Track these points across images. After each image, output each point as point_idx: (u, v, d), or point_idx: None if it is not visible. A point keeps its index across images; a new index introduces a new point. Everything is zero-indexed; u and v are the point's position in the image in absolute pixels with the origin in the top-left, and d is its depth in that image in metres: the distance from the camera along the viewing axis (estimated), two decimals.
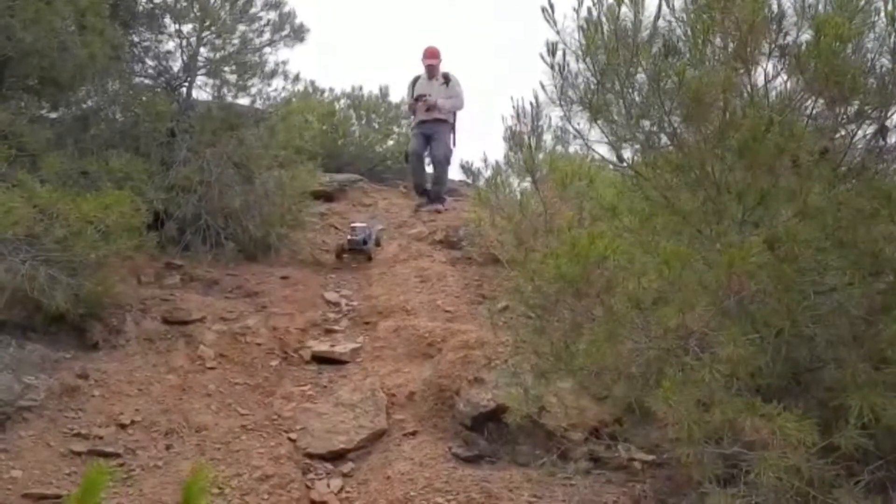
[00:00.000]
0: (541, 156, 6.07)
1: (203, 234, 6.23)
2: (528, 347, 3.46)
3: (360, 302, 6.01)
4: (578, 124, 3.86)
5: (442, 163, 8.55)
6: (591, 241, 2.87)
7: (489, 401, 4.05)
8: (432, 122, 8.52)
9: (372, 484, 3.69)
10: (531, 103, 4.00)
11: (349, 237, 6.87)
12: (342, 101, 12.31)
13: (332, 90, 12.29)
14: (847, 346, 2.87)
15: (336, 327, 5.56)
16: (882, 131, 3.24)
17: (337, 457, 3.98)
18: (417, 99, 8.50)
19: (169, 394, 4.30)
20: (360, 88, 12.22)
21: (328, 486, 3.68)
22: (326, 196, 9.16)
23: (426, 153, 8.75)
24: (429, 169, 8.96)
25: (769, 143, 2.92)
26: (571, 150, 5.54)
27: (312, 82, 12.10)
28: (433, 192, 8.75)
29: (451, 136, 8.68)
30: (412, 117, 8.99)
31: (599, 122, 3.71)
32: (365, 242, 6.82)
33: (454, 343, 4.69)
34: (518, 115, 5.44)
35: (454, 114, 8.68)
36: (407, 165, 9.21)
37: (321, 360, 5.02)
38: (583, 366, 3.21)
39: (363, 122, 12.17)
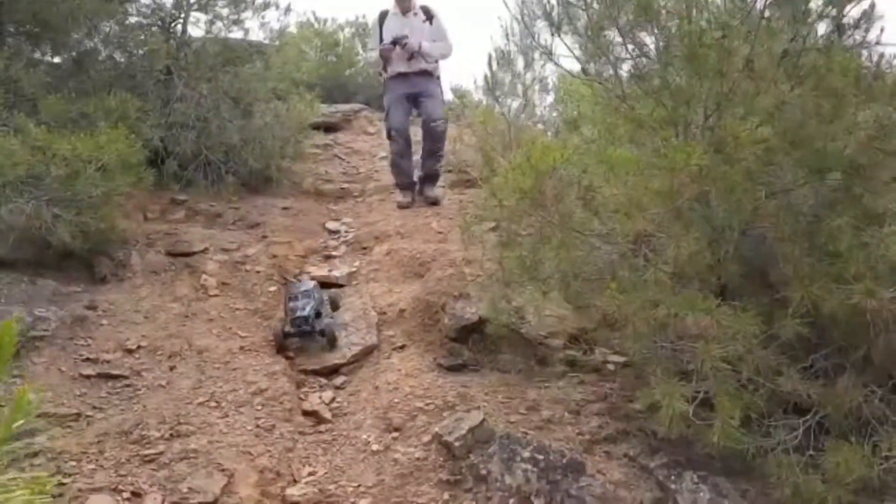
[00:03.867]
0: (529, 75, 6.12)
1: (204, 170, 6.41)
2: (491, 259, 3.61)
3: (359, 229, 6.18)
4: (545, 40, 3.93)
5: (439, 133, 6.28)
6: (542, 152, 2.98)
7: (473, 314, 4.24)
8: (416, 75, 6.26)
9: (361, 394, 3.93)
10: (519, 21, 4.06)
11: (291, 314, 4.40)
12: (346, 31, 12.27)
13: (334, 20, 12.24)
14: (793, 243, 2.97)
15: (335, 253, 5.77)
16: (838, 29, 3.28)
17: (331, 372, 4.22)
18: (394, 43, 6.17)
19: (173, 321, 4.55)
20: (364, 17, 12.15)
21: (320, 397, 3.92)
22: (331, 127, 9.28)
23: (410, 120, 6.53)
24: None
25: (717, 47, 2.98)
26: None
27: (313, 13, 12.06)
28: (427, 172, 6.44)
29: (441, 93, 6.50)
30: (381, 72, 6.50)
31: (564, 36, 3.77)
32: (317, 315, 4.42)
33: (443, 262, 4.87)
34: (507, 34, 5.45)
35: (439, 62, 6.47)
36: (390, 146, 6.60)
37: (320, 284, 5.22)
38: (546, 274, 3.37)
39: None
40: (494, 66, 6.26)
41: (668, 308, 2.76)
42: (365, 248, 5.76)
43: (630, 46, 3.45)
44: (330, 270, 5.38)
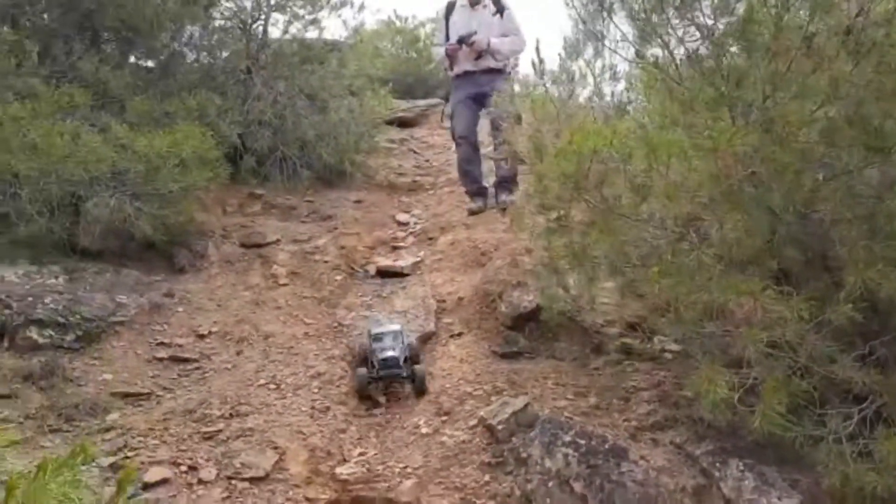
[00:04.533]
0: (599, 63, 6.04)
1: (280, 165, 6.64)
2: (541, 247, 3.59)
3: (427, 220, 6.26)
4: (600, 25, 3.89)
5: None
6: (585, 136, 2.95)
7: (529, 302, 4.23)
8: (484, 73, 5.81)
9: None
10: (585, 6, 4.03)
11: (378, 354, 3.92)
12: (427, 27, 12.40)
13: (414, 17, 12.40)
14: (851, 225, 2.84)
15: (402, 244, 5.87)
16: None
17: None
18: (461, 42, 5.78)
19: (244, 308, 4.75)
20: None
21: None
22: (408, 122, 9.42)
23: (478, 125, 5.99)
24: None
25: (771, 24, 2.88)
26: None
27: (395, 10, 12.25)
28: (501, 177, 5.86)
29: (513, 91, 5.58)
30: (447, 69, 6.09)
31: (618, 19, 3.72)
32: (405, 360, 3.93)
33: (504, 251, 4.88)
34: (576, 21, 5.40)
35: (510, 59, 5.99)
36: (456, 151, 6.20)
37: (385, 274, 5.34)
38: (594, 261, 3.33)
39: None
40: (563, 54, 6.18)
41: (711, 292, 2.69)
42: (431, 239, 5.83)
43: (684, 27, 3.38)
44: (395, 260, 5.48)
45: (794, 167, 2.79)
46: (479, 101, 5.78)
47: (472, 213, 5.94)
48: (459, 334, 4.35)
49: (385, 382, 3.91)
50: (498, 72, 5.86)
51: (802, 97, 2.84)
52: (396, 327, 4.11)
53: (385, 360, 3.86)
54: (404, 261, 5.46)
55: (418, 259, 5.48)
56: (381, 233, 6.07)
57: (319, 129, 6.87)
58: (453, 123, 6.07)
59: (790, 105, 2.78)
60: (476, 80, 5.84)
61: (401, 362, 3.87)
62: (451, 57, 5.90)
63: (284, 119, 6.68)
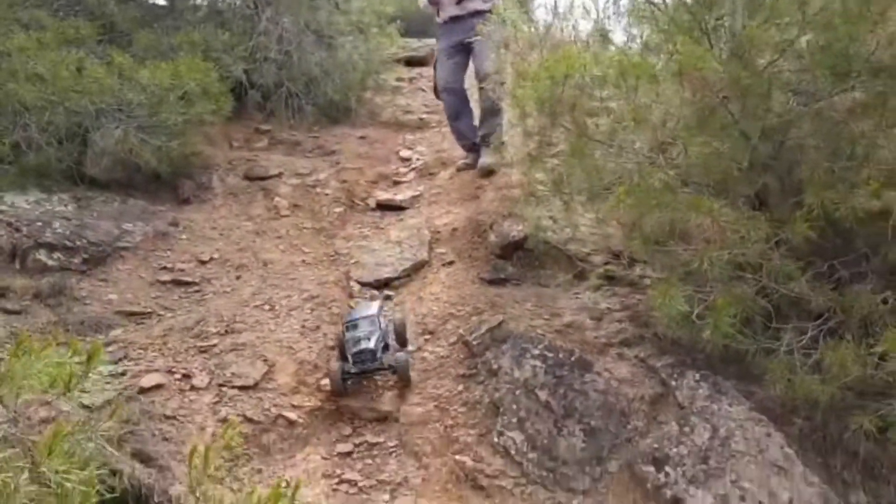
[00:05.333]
0: None
1: (285, 101, 6.73)
2: (520, 174, 3.69)
3: (429, 156, 6.36)
4: None
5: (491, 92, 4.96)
6: (558, 61, 3.02)
7: (519, 231, 4.34)
8: (471, 17, 5.17)
9: (406, 304, 4.16)
10: None
11: (352, 347, 3.48)
12: None
13: None
14: (816, 150, 2.91)
15: (403, 179, 5.98)
16: None
17: (382, 285, 4.46)
18: None
19: (245, 237, 4.92)
20: None
21: None
22: (418, 61, 9.42)
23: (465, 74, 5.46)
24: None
25: None
26: None
27: None
28: (486, 131, 5.27)
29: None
30: (435, 12, 5.50)
31: None
32: (385, 347, 3.56)
33: (499, 183, 4.98)
34: None
35: None
36: (442, 105, 5.69)
37: (384, 207, 5.48)
38: (571, 187, 3.44)
39: None
40: None
41: (673, 210, 2.79)
42: (432, 174, 5.93)
43: None
44: (395, 194, 5.60)
45: (760, 91, 2.85)
46: (466, 49, 5.27)
47: (460, 169, 5.58)
48: (451, 263, 4.49)
49: (362, 377, 3.49)
50: (486, 13, 5.03)
51: (772, 21, 2.89)
52: (372, 310, 3.63)
53: (359, 352, 3.43)
54: (403, 195, 5.58)
55: (417, 193, 5.60)
56: (383, 168, 6.18)
57: (325, 65, 6.93)
58: (436, 75, 5.55)
59: (755, 29, 2.83)
60: (463, 25, 5.20)
61: (378, 353, 3.45)
62: (433, 2, 5.41)
63: (290, 55, 6.74)
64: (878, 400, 2.56)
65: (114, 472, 2.61)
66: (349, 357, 3.46)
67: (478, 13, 5.14)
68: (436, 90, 5.58)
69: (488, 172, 5.18)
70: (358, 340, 3.45)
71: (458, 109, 5.48)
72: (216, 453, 2.10)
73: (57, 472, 1.69)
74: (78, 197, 4.86)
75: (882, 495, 2.57)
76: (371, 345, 3.43)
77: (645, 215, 2.86)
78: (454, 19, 5.33)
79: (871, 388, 2.56)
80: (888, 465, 2.59)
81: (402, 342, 3.66)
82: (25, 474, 1.66)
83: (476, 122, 5.50)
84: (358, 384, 3.49)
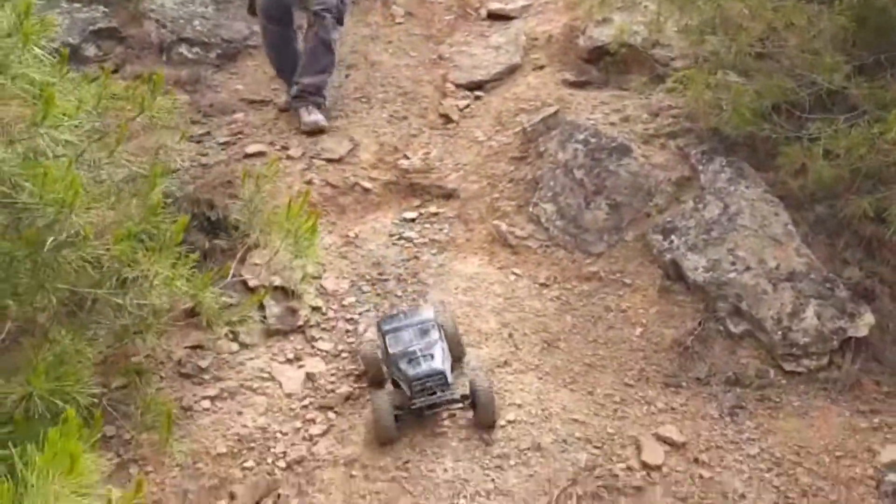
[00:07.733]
0: None
1: None
2: None
3: None
4: None
5: (326, 26, 4.14)
6: None
7: (608, 36, 4.43)
8: None
9: (492, 103, 4.45)
10: None
11: (407, 369, 2.54)
12: None
13: None
14: None
15: None
16: None
17: (475, 87, 4.75)
18: None
19: (359, 42, 5.31)
20: None
21: (456, 104, 4.52)
22: None
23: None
24: None
25: None
26: None
27: None
28: (303, 86, 4.15)
29: None
30: None
31: None
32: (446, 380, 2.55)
33: None
34: None
35: None
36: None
37: (495, 16, 5.63)
38: None
39: None
40: None
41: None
42: None
43: None
44: (506, 4, 5.72)
45: None
46: None
47: (282, 110, 4.34)
48: (542, 67, 4.68)
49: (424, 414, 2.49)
50: None
51: None
52: (427, 314, 2.69)
53: (423, 377, 2.47)
54: (514, 4, 5.69)
55: (528, 3, 5.68)
56: None
57: None
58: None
59: None
60: None
61: (448, 377, 2.49)
62: None
63: None
64: (891, 186, 2.63)
65: (212, 205, 3.28)
66: (404, 384, 2.52)
67: None
68: (250, 7, 4.46)
69: (312, 131, 4.08)
70: (415, 357, 2.51)
71: (278, 42, 4.36)
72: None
73: None
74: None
75: (876, 273, 2.69)
76: (438, 364, 2.49)
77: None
78: None
79: (871, 172, 2.62)
80: (889, 246, 2.69)
81: (458, 354, 2.69)
82: None
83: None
84: (416, 421, 2.50)
